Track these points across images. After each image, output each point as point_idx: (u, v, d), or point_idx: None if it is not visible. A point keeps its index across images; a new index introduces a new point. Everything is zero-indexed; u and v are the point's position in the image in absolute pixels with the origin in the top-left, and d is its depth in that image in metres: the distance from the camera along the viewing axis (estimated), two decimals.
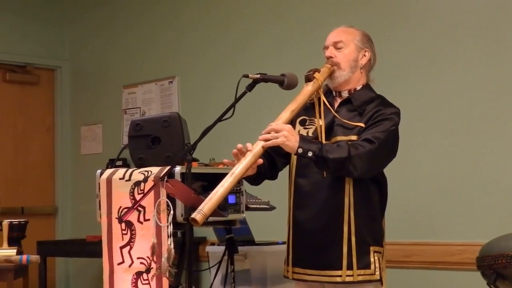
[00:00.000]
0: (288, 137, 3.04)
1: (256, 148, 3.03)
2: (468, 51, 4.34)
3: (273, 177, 3.44)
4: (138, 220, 3.45)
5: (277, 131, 3.04)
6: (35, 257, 4.48)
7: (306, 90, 3.21)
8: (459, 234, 4.28)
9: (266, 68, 4.98)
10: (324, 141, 3.17)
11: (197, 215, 2.84)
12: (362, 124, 3.20)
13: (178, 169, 3.44)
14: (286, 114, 3.13)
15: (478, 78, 4.28)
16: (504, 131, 4.18)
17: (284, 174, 3.44)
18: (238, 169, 2.98)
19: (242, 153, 3.04)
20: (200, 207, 2.85)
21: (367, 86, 3.35)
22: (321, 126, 3.23)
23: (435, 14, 4.49)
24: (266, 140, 3.03)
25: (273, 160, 3.37)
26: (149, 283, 3.43)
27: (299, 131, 3.32)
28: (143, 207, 3.43)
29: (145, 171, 3.48)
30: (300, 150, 3.05)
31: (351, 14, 4.82)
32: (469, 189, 4.27)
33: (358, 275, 3.18)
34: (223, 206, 3.58)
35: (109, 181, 3.58)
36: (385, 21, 4.70)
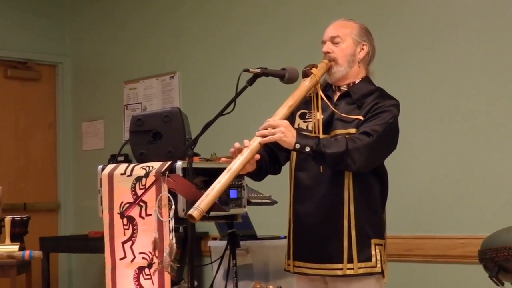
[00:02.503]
0: (285, 133, 3.03)
1: (253, 144, 3.02)
2: (468, 39, 4.33)
3: (276, 171, 3.44)
4: (140, 215, 3.46)
5: (274, 127, 3.03)
6: (38, 253, 4.48)
7: (304, 86, 3.20)
8: (461, 228, 4.28)
9: (267, 60, 5.00)
10: (322, 135, 3.17)
11: (194, 211, 2.83)
12: (361, 117, 3.20)
13: (179, 164, 3.44)
14: (284, 109, 3.12)
15: (479, 68, 4.27)
16: (506, 123, 4.17)
17: (286, 169, 3.44)
18: (235, 165, 2.98)
19: (240, 151, 3.04)
20: (197, 204, 2.85)
21: (366, 79, 3.34)
22: (318, 120, 3.23)
23: (432, 2, 4.49)
24: (263, 136, 3.03)
25: (275, 154, 3.37)
26: (151, 278, 3.43)
27: (299, 125, 3.32)
28: (145, 202, 3.43)
29: (147, 166, 3.49)
30: (297, 146, 3.04)
31: (350, 1, 4.82)
32: (471, 182, 4.27)
33: (359, 268, 3.18)
34: (224, 201, 3.58)
35: (110, 176, 3.58)
36: (383, 9, 4.69)
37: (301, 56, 4.81)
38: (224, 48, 5.65)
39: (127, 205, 3.48)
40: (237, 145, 3.04)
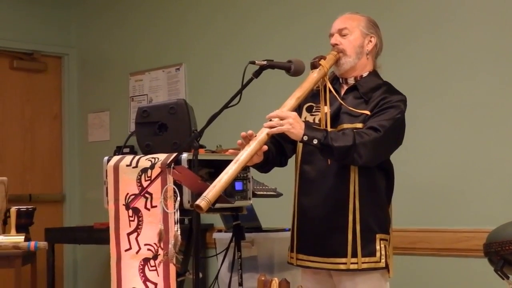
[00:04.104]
0: (293, 124, 3.03)
1: (261, 135, 3.02)
2: (473, 29, 4.30)
3: (282, 164, 3.44)
4: (145, 207, 3.46)
5: (282, 118, 3.03)
6: (43, 244, 4.49)
7: (312, 77, 3.20)
8: (466, 221, 4.27)
9: (272, 50, 5.01)
10: (329, 129, 3.17)
11: (201, 201, 2.84)
12: (367, 112, 3.20)
13: (185, 155, 3.44)
14: (292, 101, 3.12)
15: (486, 59, 4.24)
16: None
17: (291, 161, 3.44)
18: (242, 156, 2.98)
19: (247, 141, 3.04)
20: (204, 194, 2.85)
21: (373, 73, 3.34)
22: (326, 113, 3.22)
23: None
24: (271, 127, 3.03)
25: (281, 147, 3.37)
26: (156, 270, 3.44)
27: (305, 118, 3.31)
28: (150, 194, 3.44)
29: (152, 158, 3.49)
30: (305, 138, 3.04)
31: None
32: (476, 175, 4.26)
33: (363, 262, 3.18)
34: (230, 193, 3.59)
35: (116, 168, 3.58)
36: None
37: (307, 45, 4.82)
38: (229, 40, 5.65)
39: (133, 196, 3.49)
40: (243, 134, 3.04)
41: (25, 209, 4.81)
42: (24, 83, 6.72)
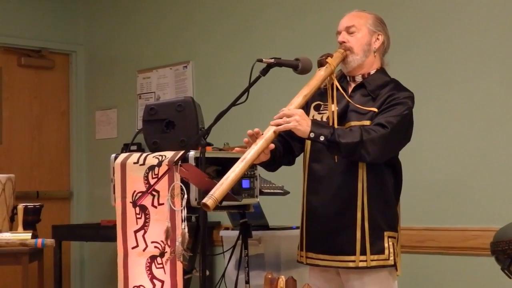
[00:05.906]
0: (300, 122, 3.03)
1: (267, 133, 3.02)
2: (484, 25, 4.28)
3: (290, 162, 3.44)
4: (152, 204, 3.46)
5: (288, 116, 3.03)
6: (50, 241, 4.49)
7: (319, 75, 3.20)
8: (473, 219, 4.26)
9: (280, 47, 4.99)
10: (336, 126, 3.17)
11: (208, 200, 2.84)
12: (375, 109, 3.19)
13: (192, 153, 3.44)
14: (299, 99, 3.12)
15: (492, 55, 4.22)
16: None
17: (298, 159, 3.44)
18: (249, 155, 2.98)
19: (254, 138, 3.04)
20: (211, 192, 2.85)
21: (381, 70, 3.34)
22: (333, 111, 3.22)
23: None
24: (277, 125, 3.03)
25: (289, 145, 3.37)
26: (163, 267, 3.44)
27: (313, 116, 3.31)
28: (157, 191, 3.44)
29: (159, 155, 3.49)
30: (312, 135, 3.04)
31: None
32: (483, 173, 4.25)
33: (372, 260, 3.18)
34: (237, 191, 3.58)
35: (123, 165, 3.58)
36: None
37: (315, 43, 4.82)
38: (237, 38, 5.64)
39: (140, 194, 3.49)
40: (250, 132, 3.03)
41: (32, 206, 4.81)
42: (32, 80, 6.73)
